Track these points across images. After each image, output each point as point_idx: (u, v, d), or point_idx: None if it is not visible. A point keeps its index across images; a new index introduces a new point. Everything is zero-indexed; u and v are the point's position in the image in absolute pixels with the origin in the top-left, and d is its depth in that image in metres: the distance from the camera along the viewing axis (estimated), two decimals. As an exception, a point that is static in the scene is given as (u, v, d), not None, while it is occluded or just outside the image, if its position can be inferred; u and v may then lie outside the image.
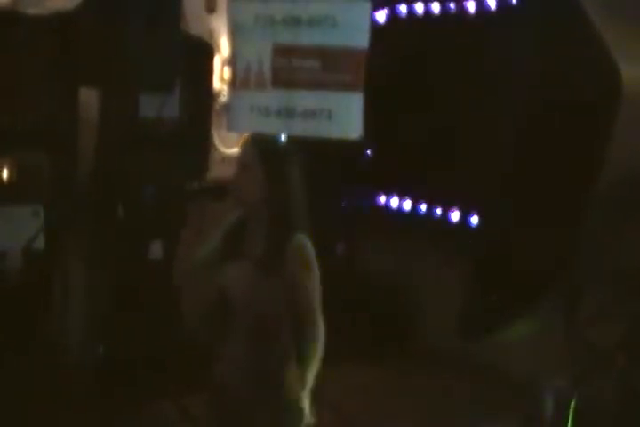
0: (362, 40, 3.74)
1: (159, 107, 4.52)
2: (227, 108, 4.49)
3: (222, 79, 5.32)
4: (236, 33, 4.11)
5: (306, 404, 2.54)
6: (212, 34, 5.27)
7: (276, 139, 2.71)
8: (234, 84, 4.20)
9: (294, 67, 3.88)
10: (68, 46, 3.92)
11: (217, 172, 5.27)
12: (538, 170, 4.17)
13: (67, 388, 4.20)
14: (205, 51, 4.98)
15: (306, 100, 3.87)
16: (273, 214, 2.50)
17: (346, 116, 3.78)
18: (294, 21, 3.83)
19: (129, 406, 4.23)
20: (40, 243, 4.35)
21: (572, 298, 4.33)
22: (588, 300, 4.26)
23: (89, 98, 4.43)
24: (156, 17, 3.95)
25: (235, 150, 5.72)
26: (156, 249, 4.72)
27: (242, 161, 2.56)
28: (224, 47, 5.11)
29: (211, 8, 5.23)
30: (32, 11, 4.20)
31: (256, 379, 2.50)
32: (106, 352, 4.53)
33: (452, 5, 5.18)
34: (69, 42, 3.90)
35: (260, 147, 2.57)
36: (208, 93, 5.06)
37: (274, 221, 2.50)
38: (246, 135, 3.02)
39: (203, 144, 5.04)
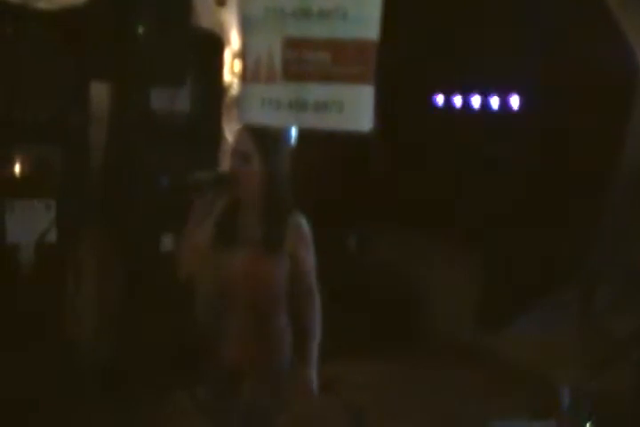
0: (372, 32, 3.72)
1: (170, 100, 4.52)
2: (237, 101, 4.49)
3: (233, 72, 5.31)
4: (245, 26, 4.10)
5: (313, 378, 2.66)
6: (222, 27, 5.26)
7: (269, 127, 2.72)
8: (244, 77, 4.20)
9: (305, 59, 3.87)
10: (80, 40, 3.92)
11: (228, 164, 5.27)
12: (556, 160, 4.14)
13: (79, 381, 4.22)
14: (216, 44, 4.97)
15: (317, 92, 3.86)
16: (271, 198, 2.63)
17: (357, 109, 3.77)
18: (304, 14, 3.81)
19: (143, 398, 4.26)
20: (53, 236, 4.37)
21: (587, 289, 4.32)
22: (603, 291, 4.25)
23: (101, 92, 4.44)
24: (167, 10, 3.96)
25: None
26: (168, 242, 4.73)
27: (240, 150, 2.67)
28: (234, 40, 5.10)
29: (221, 1, 5.22)
30: (43, 5, 4.21)
31: (260, 358, 2.63)
32: (119, 344, 4.55)
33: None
34: (80, 36, 3.90)
35: (257, 135, 2.70)
36: (219, 86, 5.06)
37: (273, 205, 2.63)
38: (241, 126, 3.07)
39: (214, 137, 5.04)
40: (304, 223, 2.67)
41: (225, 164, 5.19)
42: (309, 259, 2.67)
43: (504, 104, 5.17)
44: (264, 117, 4.23)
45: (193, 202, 2.60)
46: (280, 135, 2.77)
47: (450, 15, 5.26)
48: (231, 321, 2.67)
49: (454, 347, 4.90)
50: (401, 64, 5.11)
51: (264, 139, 2.71)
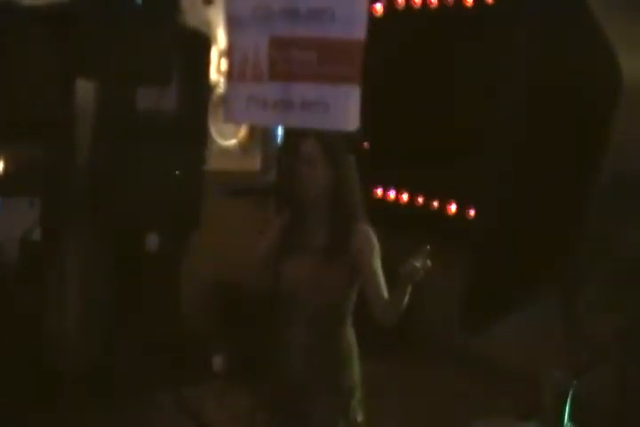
0: (359, 32, 3.72)
1: (156, 99, 4.51)
2: (224, 99, 4.48)
3: (219, 71, 5.30)
4: (232, 25, 4.09)
5: (359, 389, 2.66)
6: (209, 25, 5.24)
7: (335, 133, 2.75)
8: (231, 76, 4.19)
9: (291, 59, 3.86)
10: (65, 38, 3.90)
11: (215, 163, 5.27)
12: (539, 163, 4.16)
13: (63, 382, 4.21)
14: (202, 43, 4.96)
15: (303, 92, 3.86)
16: (338, 206, 2.62)
17: (343, 109, 3.77)
18: (291, 13, 3.81)
19: (128, 399, 4.24)
20: (37, 234, 4.35)
21: (570, 290, 4.33)
22: (586, 292, 4.27)
23: (86, 90, 4.42)
24: (154, 9, 3.94)
25: (233, 142, 5.72)
26: (153, 241, 4.71)
27: (307, 156, 2.64)
28: (221, 39, 5.09)
29: (208, 0, 5.22)
30: (28, 1, 4.19)
31: (318, 366, 2.59)
32: (103, 344, 4.54)
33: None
34: (66, 33, 3.88)
35: (324, 141, 2.67)
36: (205, 85, 5.04)
37: (339, 211, 2.62)
38: (307, 131, 3.10)
39: (200, 136, 5.03)
40: (370, 230, 2.66)
41: (211, 162, 5.20)
42: (375, 266, 2.62)
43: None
44: (250, 116, 4.23)
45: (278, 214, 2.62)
46: (344, 141, 2.74)
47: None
48: (296, 331, 2.64)
49: (440, 348, 4.91)
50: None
51: (330, 144, 2.69)
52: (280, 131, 4.91)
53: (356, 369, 2.67)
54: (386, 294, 2.59)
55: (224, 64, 5.07)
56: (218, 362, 4.89)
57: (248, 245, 5.34)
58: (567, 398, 2.53)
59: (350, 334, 2.66)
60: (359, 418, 2.66)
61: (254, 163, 5.73)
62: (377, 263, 2.62)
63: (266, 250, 2.70)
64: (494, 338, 4.62)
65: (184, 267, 4.99)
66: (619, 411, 3.93)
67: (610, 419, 3.87)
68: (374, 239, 2.64)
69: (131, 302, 4.60)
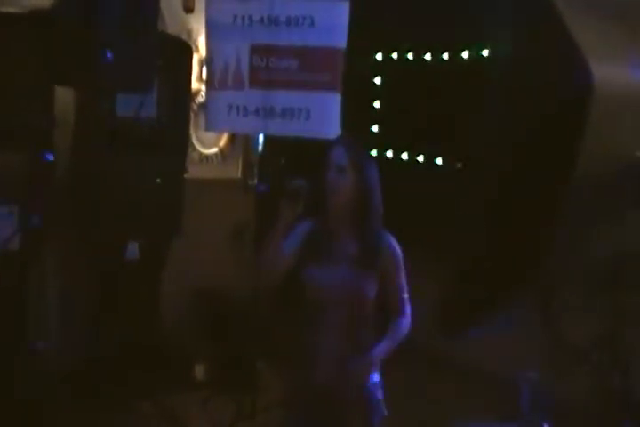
0: (340, 40, 3.75)
1: (137, 107, 4.49)
2: (205, 107, 4.48)
3: (200, 79, 5.30)
4: (214, 32, 4.11)
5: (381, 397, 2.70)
6: (190, 33, 5.26)
7: (360, 142, 2.77)
8: (212, 83, 4.20)
9: (272, 66, 3.89)
10: (45, 45, 3.88)
11: (196, 171, 5.26)
12: (513, 166, 4.19)
13: (45, 391, 4.17)
14: (183, 51, 4.95)
15: (284, 99, 3.88)
16: (366, 214, 2.66)
17: (324, 116, 3.79)
18: (272, 21, 3.83)
19: (109, 407, 4.21)
20: (15, 244, 4.31)
21: (546, 295, 4.36)
22: (562, 297, 4.30)
23: (65, 97, 4.40)
24: (134, 16, 3.93)
25: (214, 150, 5.72)
26: (133, 250, 4.70)
27: (337, 164, 2.65)
28: (202, 47, 5.10)
29: (189, 8, 5.22)
30: (8, 8, 4.17)
31: (346, 373, 2.61)
32: (85, 354, 4.51)
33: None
34: (45, 40, 3.86)
35: (352, 150, 2.69)
36: (186, 93, 5.04)
37: (367, 222, 2.66)
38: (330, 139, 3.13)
39: (181, 144, 5.02)
40: (395, 242, 2.71)
41: (192, 170, 5.19)
42: (401, 278, 2.70)
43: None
44: (231, 124, 4.25)
45: (281, 212, 2.58)
46: (367, 151, 2.77)
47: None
48: (323, 337, 2.67)
49: (416, 351, 4.91)
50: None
51: (358, 152, 2.70)
52: (261, 138, 4.91)
53: (377, 369, 2.72)
54: (408, 307, 2.70)
55: (205, 72, 5.08)
56: (200, 370, 4.87)
57: (229, 253, 5.38)
58: (545, 399, 2.55)
59: (374, 340, 2.69)
60: (385, 413, 2.72)
61: (235, 171, 5.73)
62: (402, 276, 2.70)
63: (287, 254, 2.68)
64: (471, 341, 4.65)
65: (165, 275, 4.97)
66: (595, 416, 3.96)
67: (586, 421, 3.89)
68: (399, 250, 2.70)
69: (112, 310, 4.58)
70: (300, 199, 2.57)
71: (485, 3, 4.42)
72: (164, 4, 4.06)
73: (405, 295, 2.71)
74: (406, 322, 2.71)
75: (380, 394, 2.72)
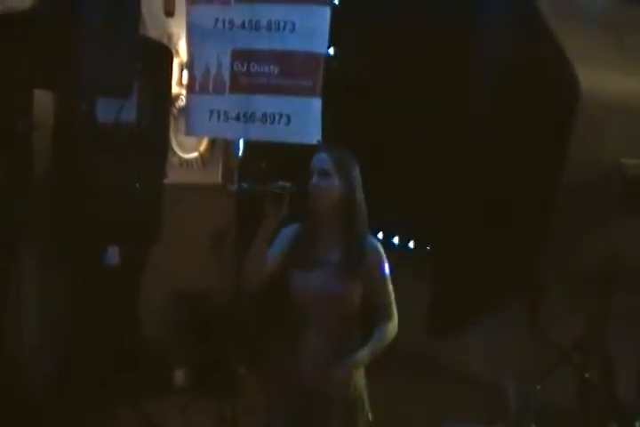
0: (320, 45, 3.76)
1: (116, 111, 4.47)
2: (185, 112, 4.47)
3: (180, 83, 5.29)
4: (194, 37, 4.10)
5: (366, 399, 2.72)
6: (170, 37, 5.23)
7: (345, 148, 2.78)
8: (192, 88, 4.19)
9: (253, 71, 3.89)
10: (24, 46, 3.86)
11: (175, 176, 5.24)
12: (500, 170, 4.21)
13: (23, 399, 4.13)
14: (164, 55, 4.94)
15: (264, 104, 3.88)
16: (350, 220, 2.68)
17: (304, 121, 3.80)
18: (253, 26, 3.83)
19: (89, 413, 4.18)
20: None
21: (532, 298, 4.39)
22: (548, 300, 4.33)
23: (45, 100, 4.37)
24: (114, 20, 3.92)
25: (194, 155, 5.70)
26: (113, 254, 4.67)
27: (321, 169, 2.67)
28: (183, 51, 5.08)
29: (169, 12, 5.20)
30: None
31: (331, 376, 2.61)
32: (62, 363, 4.47)
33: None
34: (25, 43, 3.84)
35: (335, 154, 2.71)
36: (166, 98, 5.02)
37: (352, 226, 2.68)
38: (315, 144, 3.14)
39: (161, 149, 5.00)
40: (379, 245, 2.72)
41: (172, 175, 5.17)
42: (386, 281, 2.71)
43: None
44: (212, 129, 4.24)
45: (266, 211, 2.57)
46: (351, 155, 2.77)
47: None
48: (307, 342, 2.69)
49: (404, 354, 4.92)
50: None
51: (341, 157, 2.72)
52: (241, 143, 4.90)
53: (361, 372, 2.74)
54: (394, 311, 2.71)
55: (185, 76, 5.06)
56: (180, 376, 4.85)
57: (209, 258, 5.36)
58: (531, 401, 2.58)
59: (359, 344, 2.71)
60: (370, 417, 2.75)
61: (216, 175, 5.71)
62: (388, 280, 2.71)
63: (272, 258, 2.68)
64: (459, 344, 4.66)
65: (145, 280, 4.94)
66: (580, 417, 3.99)
67: (571, 421, 3.92)
68: (384, 254, 2.71)
69: (90, 316, 4.54)
70: (284, 201, 2.57)
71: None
72: (144, 8, 4.05)
73: (391, 299, 2.72)
74: (393, 326, 2.72)
75: (364, 396, 2.73)
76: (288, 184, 2.58)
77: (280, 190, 2.56)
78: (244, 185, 4.40)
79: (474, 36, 4.38)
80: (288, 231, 2.76)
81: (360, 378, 2.72)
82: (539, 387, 2.55)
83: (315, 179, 2.67)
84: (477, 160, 4.35)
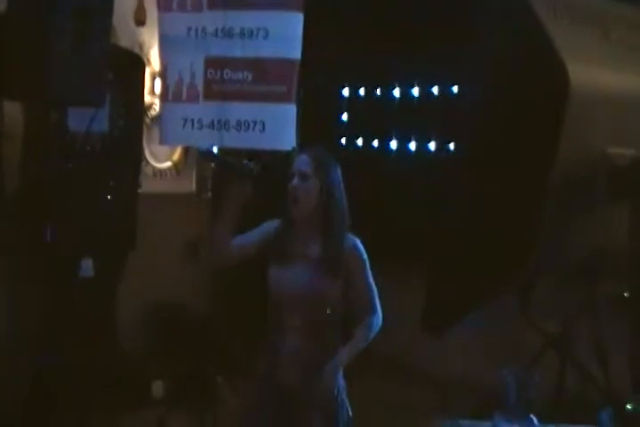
0: (294, 52, 3.75)
1: (88, 121, 4.43)
2: (158, 121, 4.44)
3: (153, 92, 5.26)
4: (167, 45, 4.07)
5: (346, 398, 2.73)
6: (141, 46, 5.21)
7: (325, 149, 2.83)
8: (165, 97, 4.16)
9: (227, 79, 3.87)
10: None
11: (149, 186, 5.21)
12: (492, 165, 4.24)
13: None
14: (135, 64, 4.91)
15: (239, 112, 3.86)
16: (329, 218, 2.71)
17: (279, 128, 3.79)
18: (226, 33, 3.82)
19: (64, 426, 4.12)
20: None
21: (525, 286, 4.43)
22: (539, 288, 4.37)
23: (14, 111, 4.32)
24: (85, 29, 3.89)
25: (167, 164, 5.67)
26: (87, 267, 4.61)
27: (301, 172, 2.72)
28: (155, 60, 5.06)
29: (140, 20, 5.18)
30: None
31: (310, 374, 2.63)
32: (36, 376, 4.40)
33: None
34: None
35: (315, 157, 2.76)
36: (138, 107, 4.99)
37: (331, 225, 2.71)
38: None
39: (134, 158, 4.96)
40: (359, 242, 2.75)
41: (146, 185, 5.13)
42: (368, 278, 2.73)
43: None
44: (186, 138, 4.21)
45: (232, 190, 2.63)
46: (331, 157, 2.82)
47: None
48: (287, 339, 2.69)
49: (388, 354, 4.92)
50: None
51: (321, 158, 2.77)
52: (215, 151, 4.88)
53: (340, 372, 2.74)
54: (377, 305, 2.74)
55: (158, 85, 5.04)
56: (157, 388, 4.80)
57: (184, 268, 5.31)
58: (530, 393, 2.61)
59: (339, 342, 2.73)
60: (350, 413, 2.76)
61: (189, 184, 5.68)
62: (369, 275, 2.74)
63: (244, 243, 2.72)
64: (451, 339, 4.68)
65: (120, 291, 4.89)
66: (569, 404, 4.03)
67: (563, 409, 3.94)
68: (364, 251, 2.75)
69: (66, 328, 4.48)
70: (249, 179, 2.62)
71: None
72: (115, 17, 4.01)
73: (374, 294, 2.74)
74: (377, 320, 2.74)
75: (344, 394, 2.73)
76: (254, 164, 2.64)
77: (246, 169, 2.62)
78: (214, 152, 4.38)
79: (464, 32, 4.42)
80: (270, 225, 2.79)
81: (340, 378, 2.72)
82: (533, 375, 2.59)
83: (294, 182, 2.72)
84: (465, 154, 4.38)
